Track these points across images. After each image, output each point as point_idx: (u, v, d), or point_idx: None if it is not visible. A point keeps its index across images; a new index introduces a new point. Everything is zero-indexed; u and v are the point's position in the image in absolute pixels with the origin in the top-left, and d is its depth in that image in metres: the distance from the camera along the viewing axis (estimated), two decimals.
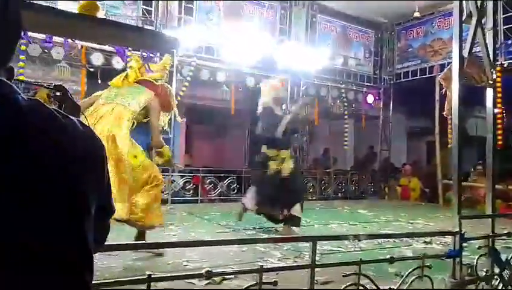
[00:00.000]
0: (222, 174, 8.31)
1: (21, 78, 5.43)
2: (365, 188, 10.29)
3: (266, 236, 4.57)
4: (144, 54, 5.72)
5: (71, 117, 0.84)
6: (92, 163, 0.81)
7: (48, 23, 1.42)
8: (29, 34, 5.91)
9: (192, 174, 8.13)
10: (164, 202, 7.35)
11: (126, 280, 1.50)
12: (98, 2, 1.61)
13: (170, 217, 5.78)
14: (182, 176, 8.03)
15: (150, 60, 6.54)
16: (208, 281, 2.50)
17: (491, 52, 2.77)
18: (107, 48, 6.86)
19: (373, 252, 4.06)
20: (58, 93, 1.11)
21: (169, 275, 1.53)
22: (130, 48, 6.32)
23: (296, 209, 4.85)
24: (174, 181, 7.79)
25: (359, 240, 4.30)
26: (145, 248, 1.83)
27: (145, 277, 1.49)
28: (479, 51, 2.95)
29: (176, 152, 9.10)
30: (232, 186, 8.12)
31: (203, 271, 1.62)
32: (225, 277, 2.56)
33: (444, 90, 6.84)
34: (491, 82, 2.79)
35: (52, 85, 1.12)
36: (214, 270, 2.05)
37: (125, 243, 1.66)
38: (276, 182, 4.88)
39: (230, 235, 4.76)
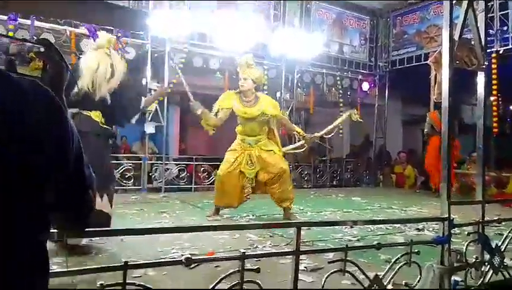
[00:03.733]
0: (216, 163, 8.27)
1: None
2: (360, 176, 10.29)
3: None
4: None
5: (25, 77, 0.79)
6: (37, 125, 0.75)
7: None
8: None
9: (186, 163, 8.10)
10: (157, 190, 7.37)
11: (101, 267, 1.46)
12: None
13: (163, 205, 5.79)
14: (177, 164, 7.99)
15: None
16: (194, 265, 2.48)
17: (482, 35, 2.72)
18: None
19: (365, 239, 4.04)
20: (42, 49, 0.95)
21: (145, 262, 1.49)
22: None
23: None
24: (168, 169, 7.74)
25: (351, 227, 4.29)
26: (121, 234, 1.80)
27: (121, 264, 1.46)
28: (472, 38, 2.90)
29: (170, 141, 9.05)
30: None
31: (182, 258, 1.59)
32: (212, 262, 2.53)
33: (434, 73, 6.75)
34: (482, 66, 2.74)
35: (35, 40, 0.98)
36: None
37: (103, 229, 1.62)
38: None
39: (221, 223, 4.73)
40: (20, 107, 0.72)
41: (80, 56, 6.37)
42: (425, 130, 8.19)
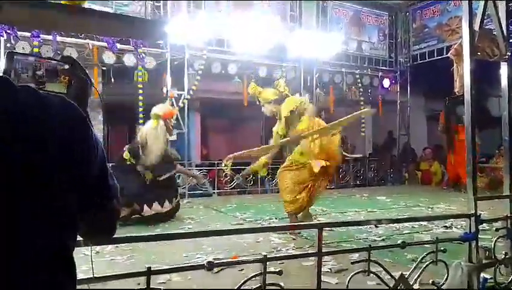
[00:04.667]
0: (238, 167, 8.28)
1: None
2: (384, 174, 10.12)
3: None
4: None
5: (53, 94, 0.83)
6: (62, 140, 0.78)
7: (27, 16, 1.39)
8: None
9: (208, 168, 8.15)
10: (181, 196, 7.44)
11: (125, 274, 1.49)
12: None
13: (187, 211, 5.84)
14: (199, 170, 8.05)
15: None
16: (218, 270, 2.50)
17: (504, 25, 2.64)
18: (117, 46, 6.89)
19: (390, 238, 3.98)
20: (66, 67, 0.95)
21: (168, 267, 1.51)
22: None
23: None
24: None
25: (375, 226, 4.22)
26: (153, 240, 1.83)
27: (144, 270, 1.48)
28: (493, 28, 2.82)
29: (192, 147, 9.14)
30: (248, 179, 8.08)
31: (204, 262, 1.60)
32: (236, 266, 2.55)
33: (455, 66, 6.61)
34: (505, 57, 2.66)
35: (59, 57, 1.01)
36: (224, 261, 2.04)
37: (129, 236, 1.64)
38: None
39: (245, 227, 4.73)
40: (48, 122, 0.76)
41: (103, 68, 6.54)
42: (439, 129, 8.45)
